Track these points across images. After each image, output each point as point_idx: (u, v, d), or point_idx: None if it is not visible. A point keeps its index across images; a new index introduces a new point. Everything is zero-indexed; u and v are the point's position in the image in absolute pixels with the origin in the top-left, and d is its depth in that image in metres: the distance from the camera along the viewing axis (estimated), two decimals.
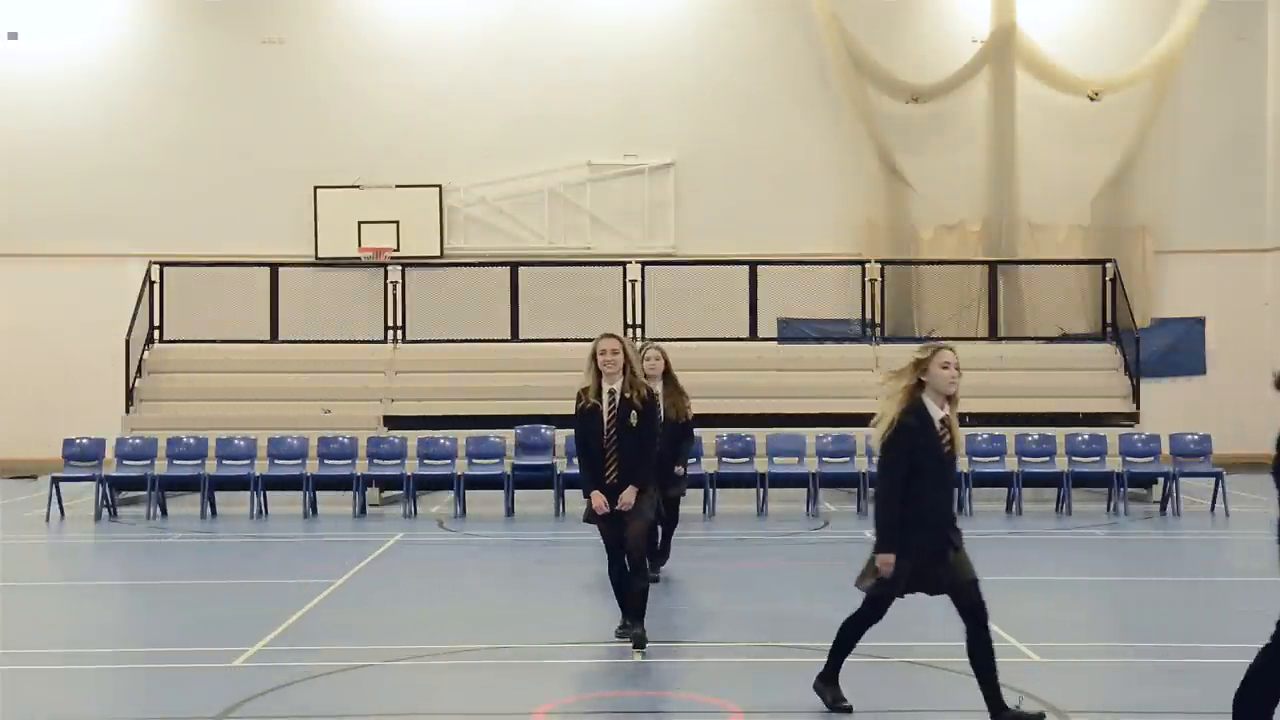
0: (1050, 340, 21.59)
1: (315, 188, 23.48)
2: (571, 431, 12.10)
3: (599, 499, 8.85)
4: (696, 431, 16.88)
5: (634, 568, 8.98)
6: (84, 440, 17.25)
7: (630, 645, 8.88)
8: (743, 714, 7.30)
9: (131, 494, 17.23)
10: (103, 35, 23.96)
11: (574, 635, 9.36)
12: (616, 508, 8.82)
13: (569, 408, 9.14)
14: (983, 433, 17.65)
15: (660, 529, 11.58)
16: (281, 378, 19.29)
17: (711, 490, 16.64)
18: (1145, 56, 23.77)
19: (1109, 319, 20.55)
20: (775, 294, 20.61)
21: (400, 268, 20.79)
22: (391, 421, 18.59)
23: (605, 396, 8.91)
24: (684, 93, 23.83)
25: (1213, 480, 16.88)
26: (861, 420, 18.15)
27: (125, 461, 17.16)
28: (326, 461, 17.31)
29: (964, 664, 8.41)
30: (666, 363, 11.53)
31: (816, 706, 7.58)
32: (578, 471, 9.23)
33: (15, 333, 23.34)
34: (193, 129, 23.78)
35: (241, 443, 17.31)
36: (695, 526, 15.61)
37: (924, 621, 10.25)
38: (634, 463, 8.88)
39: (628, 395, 8.87)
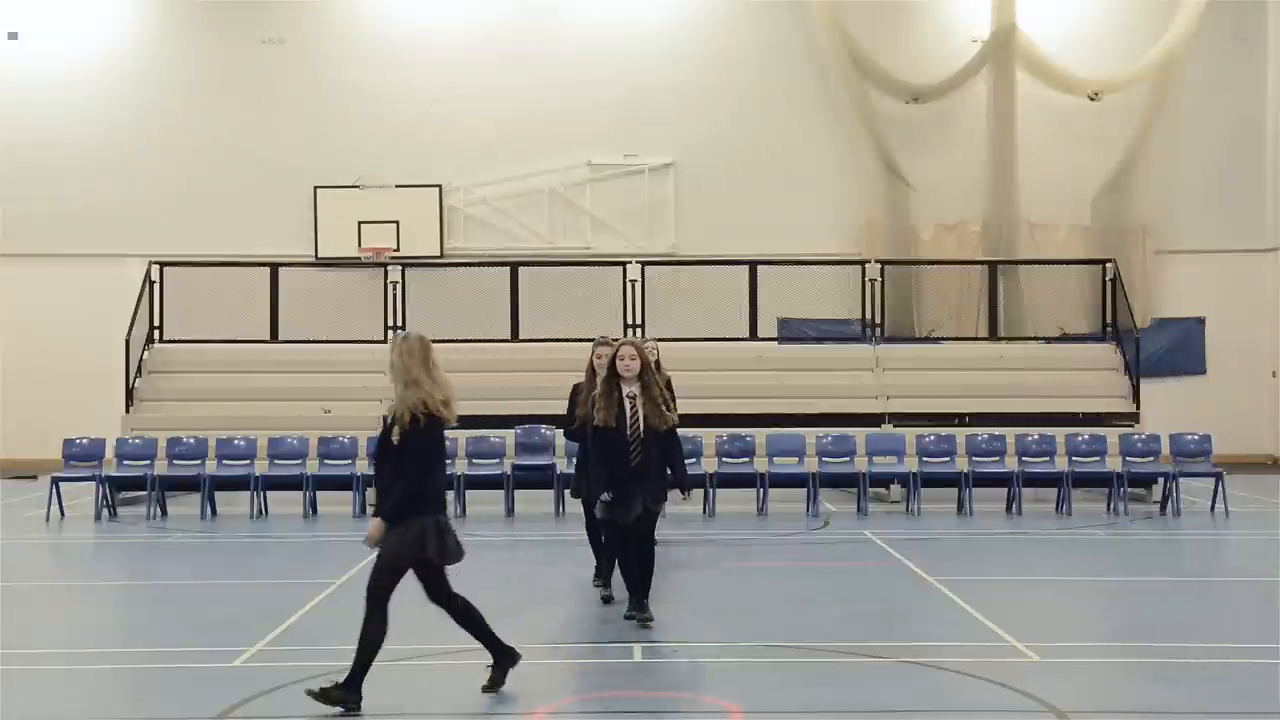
0: (1050, 340, 21.60)
1: (315, 188, 23.50)
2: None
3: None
4: (696, 431, 17.02)
5: (367, 616, 7.46)
6: (84, 440, 17.23)
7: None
8: (743, 714, 7.29)
9: (131, 494, 17.21)
10: (103, 35, 23.98)
11: (574, 635, 9.36)
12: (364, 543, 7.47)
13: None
14: (983, 433, 17.67)
15: (636, 560, 9.76)
16: (281, 378, 19.26)
17: (711, 490, 16.64)
18: (1145, 56, 23.79)
19: (1109, 319, 20.53)
20: (775, 294, 20.59)
21: (400, 268, 20.78)
22: None
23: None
24: (684, 93, 23.84)
25: (1213, 480, 16.86)
26: (861, 420, 18.38)
27: (125, 461, 17.16)
28: (326, 461, 17.30)
29: (964, 664, 8.43)
30: (644, 363, 9.55)
31: (816, 706, 7.57)
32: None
33: (15, 333, 23.34)
34: (193, 129, 23.80)
35: (241, 443, 17.30)
36: (695, 526, 15.62)
37: (924, 621, 10.27)
38: (382, 488, 7.46)
39: (394, 409, 7.44)
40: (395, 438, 7.34)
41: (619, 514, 9.39)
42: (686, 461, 16.45)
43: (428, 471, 7.39)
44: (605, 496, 9.43)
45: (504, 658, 7.74)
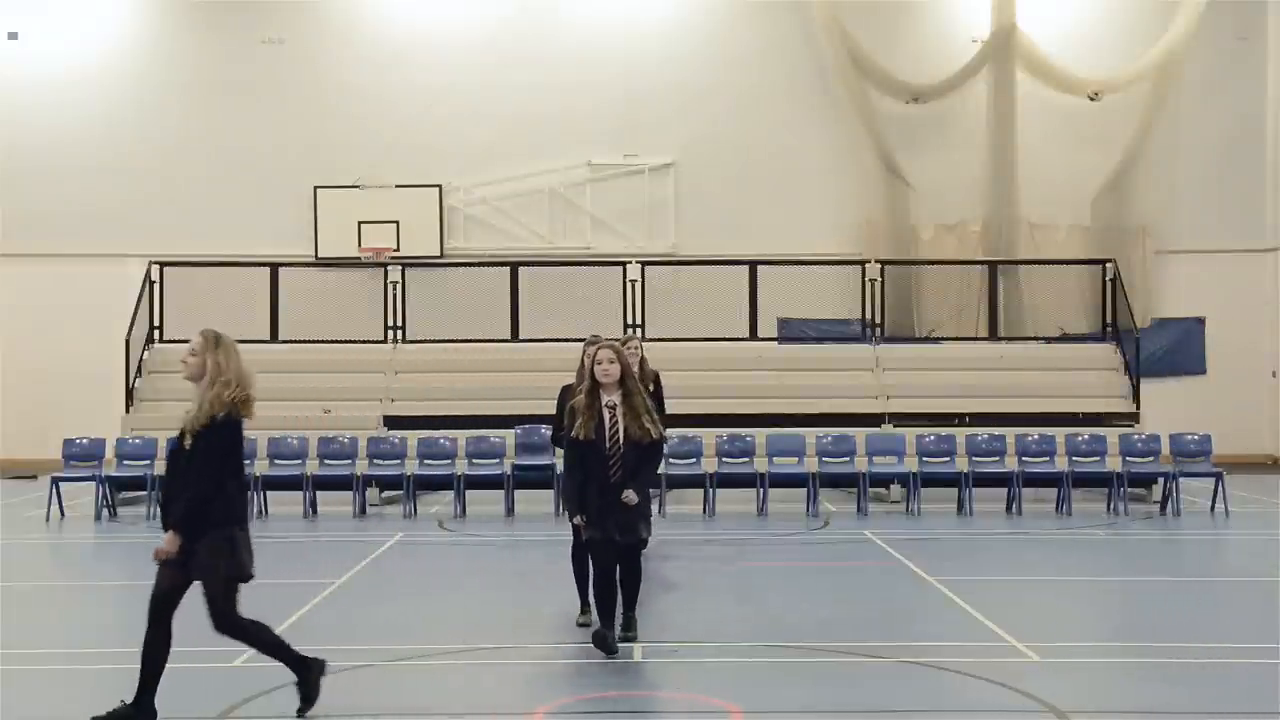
0: (1050, 340, 21.60)
1: (315, 188, 23.50)
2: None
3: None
4: (696, 431, 17.07)
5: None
6: (84, 440, 17.24)
7: None
8: (743, 714, 7.29)
9: (131, 494, 17.22)
10: (103, 35, 23.98)
11: (574, 635, 9.35)
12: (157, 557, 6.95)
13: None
14: (983, 433, 17.67)
15: (621, 586, 8.88)
16: (281, 378, 19.22)
17: (711, 490, 16.64)
18: (1145, 56, 23.79)
19: (1109, 319, 20.55)
20: (775, 294, 20.61)
21: (400, 268, 20.80)
22: (391, 421, 18.59)
23: None
24: (684, 93, 23.85)
25: (1213, 480, 16.86)
26: (861, 420, 18.38)
27: (125, 461, 17.16)
28: (326, 461, 17.31)
29: (964, 664, 8.43)
30: (624, 369, 8.66)
31: (816, 706, 7.57)
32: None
33: (15, 333, 23.34)
34: (193, 129, 23.81)
35: None
36: (695, 526, 15.62)
37: (924, 621, 10.27)
38: (172, 497, 7.01)
39: (193, 412, 6.92)
40: (188, 443, 6.84)
41: (612, 533, 8.54)
42: (686, 461, 16.76)
43: (220, 480, 6.87)
44: (578, 520, 8.70)
45: (144, 705, 7.03)
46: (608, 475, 8.50)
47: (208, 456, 6.83)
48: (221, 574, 6.92)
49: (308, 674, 7.27)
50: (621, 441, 8.51)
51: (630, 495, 8.47)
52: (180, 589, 7.00)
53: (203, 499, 6.83)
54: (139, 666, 7.01)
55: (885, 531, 14.79)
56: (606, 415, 8.55)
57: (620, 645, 8.69)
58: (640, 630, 9.08)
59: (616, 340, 9.44)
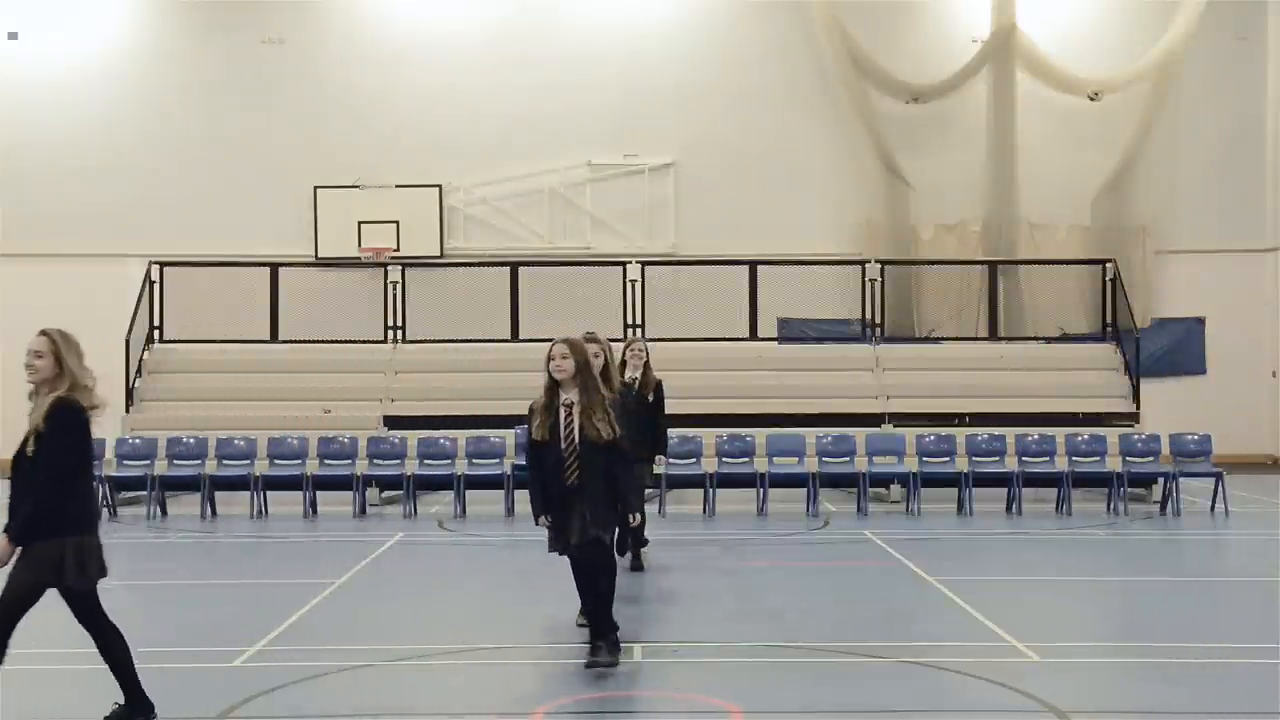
0: (1050, 340, 21.60)
1: (315, 188, 23.50)
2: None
3: None
4: (696, 431, 17.07)
5: None
6: None
7: None
8: (742, 714, 7.29)
9: (131, 494, 17.22)
10: (103, 35, 23.98)
11: (573, 635, 9.35)
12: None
13: None
14: (983, 433, 17.67)
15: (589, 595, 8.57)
16: (281, 378, 19.28)
17: (711, 490, 16.64)
18: (1145, 56, 23.80)
19: (1109, 319, 20.55)
20: (775, 294, 20.61)
21: (400, 268, 20.81)
22: (391, 421, 18.59)
23: None
24: (684, 93, 23.85)
25: (1213, 480, 16.86)
26: (861, 420, 18.38)
27: (125, 461, 17.16)
28: (326, 461, 17.31)
29: (964, 664, 8.43)
30: (580, 365, 8.49)
31: (816, 706, 7.57)
32: None
33: (15, 333, 23.25)
34: (192, 129, 23.81)
35: (241, 443, 17.31)
36: (695, 526, 15.62)
37: (924, 621, 10.26)
38: (17, 501, 6.63)
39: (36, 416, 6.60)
40: (31, 448, 6.52)
41: (559, 541, 8.35)
42: (686, 462, 16.75)
43: (67, 482, 6.61)
44: (544, 521, 8.35)
45: (138, 708, 6.94)
46: (563, 477, 8.17)
47: (55, 459, 6.54)
48: (32, 586, 6.59)
49: None
50: (577, 441, 8.17)
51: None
52: (81, 592, 6.78)
53: (50, 501, 6.48)
54: (111, 670, 6.89)
55: (885, 531, 14.79)
56: (563, 414, 8.27)
57: (619, 658, 8.41)
58: (640, 631, 9.07)
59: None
